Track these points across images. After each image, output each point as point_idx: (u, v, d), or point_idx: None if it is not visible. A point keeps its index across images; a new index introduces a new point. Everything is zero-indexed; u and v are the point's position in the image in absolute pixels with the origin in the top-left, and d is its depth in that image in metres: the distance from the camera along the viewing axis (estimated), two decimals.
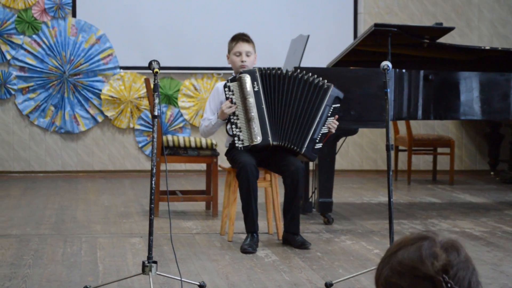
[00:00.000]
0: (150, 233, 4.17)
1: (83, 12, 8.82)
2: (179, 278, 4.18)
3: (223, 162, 6.18)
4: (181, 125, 9.03)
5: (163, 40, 8.91)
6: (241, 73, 5.41)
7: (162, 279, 4.37)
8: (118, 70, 8.89)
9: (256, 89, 5.37)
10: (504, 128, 9.10)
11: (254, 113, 5.34)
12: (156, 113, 4.20)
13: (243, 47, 5.53)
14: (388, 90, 4.52)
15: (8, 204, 6.98)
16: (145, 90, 8.66)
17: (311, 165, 6.68)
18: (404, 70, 6.24)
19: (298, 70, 5.49)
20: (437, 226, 6.17)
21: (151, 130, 8.88)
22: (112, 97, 8.84)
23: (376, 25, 6.15)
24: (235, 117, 5.37)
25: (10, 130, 8.80)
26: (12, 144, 8.81)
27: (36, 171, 8.86)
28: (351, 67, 6.63)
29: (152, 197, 4.17)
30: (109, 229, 5.92)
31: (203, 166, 8.36)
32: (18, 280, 4.43)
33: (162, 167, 6.42)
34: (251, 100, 5.35)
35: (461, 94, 6.38)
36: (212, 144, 6.45)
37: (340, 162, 9.07)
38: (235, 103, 5.37)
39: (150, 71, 4.34)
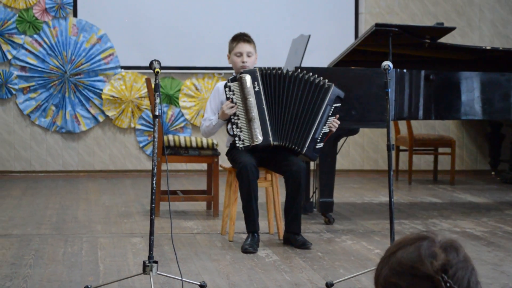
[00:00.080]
0: (151, 233, 4.17)
1: (84, 12, 8.82)
2: (180, 278, 4.18)
3: (224, 162, 6.18)
4: (182, 125, 9.03)
5: (164, 40, 8.91)
6: (241, 73, 5.40)
7: (163, 279, 4.37)
8: (119, 70, 8.89)
9: (256, 89, 5.37)
10: (505, 128, 9.10)
11: (254, 113, 5.34)
12: (157, 113, 4.19)
13: (244, 47, 5.53)
14: (389, 90, 4.52)
15: (9, 204, 6.98)
16: (146, 90, 8.67)
17: (312, 165, 6.68)
18: (405, 70, 6.24)
19: (299, 70, 5.49)
20: (438, 226, 6.17)
21: (152, 130, 8.88)
22: (113, 97, 8.84)
23: (377, 25, 6.15)
24: (235, 117, 5.37)
25: (11, 129, 8.80)
26: (13, 143, 8.81)
27: (37, 171, 8.86)
28: (352, 67, 6.63)
29: (153, 197, 4.17)
30: (110, 229, 5.92)
31: (204, 166, 8.36)
32: (19, 280, 4.43)
33: (163, 167, 6.42)
34: (252, 100, 5.35)
35: (462, 94, 6.38)
36: (213, 144, 6.45)
37: (341, 162, 9.07)
38: (235, 103, 5.37)
39: (151, 71, 4.34)
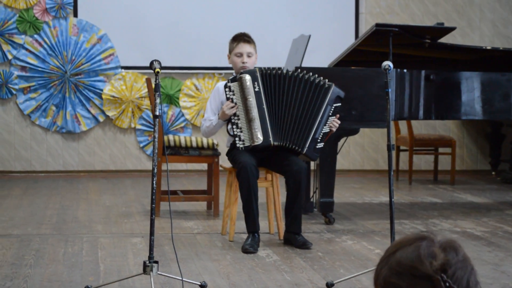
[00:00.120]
0: (151, 233, 4.17)
1: (85, 12, 8.82)
2: (180, 278, 4.18)
3: (224, 162, 6.18)
4: (182, 125, 9.03)
5: (165, 40, 8.91)
6: (241, 73, 5.40)
7: (163, 279, 4.37)
8: (119, 70, 8.89)
9: (256, 89, 5.36)
10: (505, 128, 9.10)
11: (254, 113, 5.33)
12: (157, 113, 4.19)
13: (244, 48, 5.52)
14: (390, 90, 4.52)
15: (9, 204, 6.98)
16: (146, 90, 8.67)
17: (313, 165, 6.68)
18: (405, 70, 6.24)
19: (299, 70, 5.49)
20: (438, 226, 6.17)
21: (152, 130, 8.88)
22: (113, 97, 8.84)
23: (377, 25, 6.15)
24: (236, 118, 5.37)
25: (11, 129, 8.80)
26: (13, 144, 8.81)
27: (37, 171, 8.86)
28: (353, 67, 6.63)
29: (153, 197, 4.17)
30: (110, 229, 5.92)
31: (204, 166, 8.36)
32: (19, 280, 4.43)
33: (164, 167, 6.42)
34: (252, 100, 5.34)
35: (462, 94, 6.38)
36: (213, 144, 6.45)
37: (342, 162, 9.07)
38: (235, 103, 5.36)
39: (152, 71, 4.34)
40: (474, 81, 6.39)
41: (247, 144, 5.34)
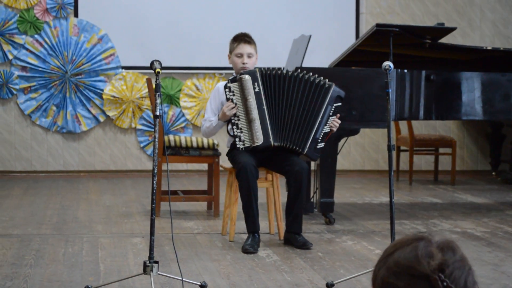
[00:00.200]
0: (152, 233, 4.17)
1: (85, 12, 8.82)
2: (180, 278, 4.18)
3: (224, 162, 6.18)
4: (182, 125, 9.03)
5: (165, 40, 8.91)
6: (241, 73, 5.40)
7: (163, 279, 4.37)
8: (120, 70, 8.89)
9: (256, 89, 5.36)
10: (505, 129, 9.10)
11: (255, 114, 5.33)
12: (158, 113, 4.19)
13: (244, 48, 5.52)
14: (390, 90, 4.52)
15: (9, 203, 6.98)
16: (147, 90, 8.67)
17: (313, 165, 6.68)
18: (405, 70, 6.24)
19: (299, 70, 5.49)
20: (438, 226, 6.17)
21: (152, 130, 8.88)
22: (114, 97, 8.84)
23: (378, 25, 6.15)
24: (236, 118, 5.36)
25: (12, 129, 8.81)
26: (13, 143, 8.81)
27: (38, 171, 8.86)
28: (353, 67, 6.63)
29: (154, 197, 4.17)
30: (111, 229, 5.92)
31: (204, 166, 8.36)
32: (19, 280, 4.43)
33: (164, 167, 6.42)
34: (252, 101, 5.34)
35: (462, 95, 6.38)
36: (213, 144, 6.45)
37: (342, 162, 9.07)
38: (235, 104, 5.36)
39: (152, 71, 4.34)
40: (475, 81, 6.39)
41: (247, 144, 5.34)
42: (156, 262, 4.16)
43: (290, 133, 5.36)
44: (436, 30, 6.55)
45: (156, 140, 4.20)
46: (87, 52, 8.81)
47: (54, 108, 8.80)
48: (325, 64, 7.19)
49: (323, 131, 5.36)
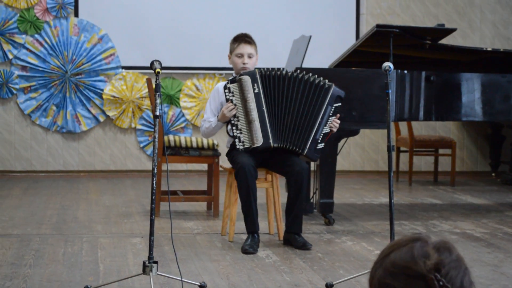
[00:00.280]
0: (151, 233, 4.17)
1: (85, 12, 8.82)
2: (180, 279, 4.18)
3: (224, 162, 6.18)
4: (182, 125, 9.03)
5: (165, 40, 8.91)
6: (241, 74, 5.40)
7: (163, 279, 4.37)
8: (120, 70, 8.89)
9: (256, 90, 5.36)
10: (505, 130, 9.10)
11: (254, 115, 5.33)
12: (157, 113, 4.20)
13: (245, 49, 5.52)
14: (390, 91, 4.52)
15: (9, 203, 6.98)
16: (147, 90, 8.67)
17: (313, 165, 6.68)
18: (405, 71, 6.24)
19: (298, 71, 5.48)
20: (438, 227, 6.17)
21: (152, 130, 8.88)
22: (114, 97, 8.84)
23: (378, 26, 6.15)
24: (235, 119, 5.36)
25: (11, 129, 8.81)
26: (13, 143, 8.81)
27: (38, 170, 8.86)
28: (353, 68, 6.63)
29: (153, 197, 4.17)
30: (110, 229, 5.92)
31: (204, 166, 8.36)
32: (19, 280, 4.43)
33: (164, 167, 6.42)
34: (251, 102, 5.34)
35: (462, 95, 6.38)
36: (213, 144, 6.45)
37: (342, 163, 9.07)
38: (235, 105, 5.36)
39: (152, 71, 4.34)
40: (475, 82, 6.39)
41: (246, 145, 5.34)
42: (156, 262, 4.16)
43: (289, 134, 5.36)
44: (436, 31, 6.55)
45: (156, 140, 4.20)
46: (87, 52, 8.81)
47: (54, 108, 8.80)
48: (325, 65, 7.19)
49: (323, 132, 5.36)
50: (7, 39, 8.69)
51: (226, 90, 5.37)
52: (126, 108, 8.88)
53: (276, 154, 5.43)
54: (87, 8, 8.82)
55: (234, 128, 5.36)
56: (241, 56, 5.51)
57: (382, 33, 6.16)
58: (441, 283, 1.45)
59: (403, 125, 8.84)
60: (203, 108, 8.78)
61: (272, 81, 5.39)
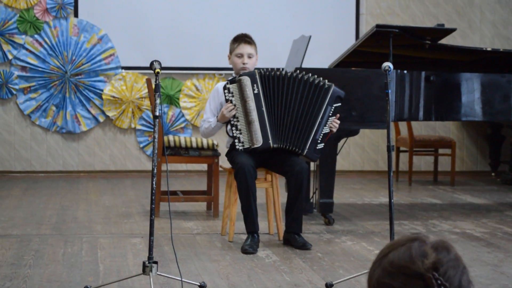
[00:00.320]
0: (151, 233, 4.17)
1: (85, 12, 8.82)
2: (180, 279, 4.18)
3: (224, 162, 6.18)
4: (182, 125, 9.03)
5: (165, 40, 8.91)
6: (240, 75, 5.39)
7: (163, 280, 4.37)
8: (119, 70, 8.89)
9: (255, 91, 5.36)
10: (505, 130, 9.10)
11: (254, 115, 5.33)
12: (157, 113, 4.20)
13: (245, 49, 5.52)
14: (390, 91, 4.52)
15: (9, 204, 6.98)
16: (146, 90, 8.67)
17: (312, 165, 6.68)
18: (405, 71, 6.24)
19: (298, 71, 5.48)
20: (438, 227, 6.17)
21: (152, 130, 8.88)
22: (113, 97, 8.84)
23: (378, 26, 6.15)
24: (235, 119, 5.36)
25: (11, 130, 8.81)
26: (13, 144, 8.81)
27: (37, 171, 8.86)
28: (353, 68, 6.63)
29: (153, 197, 4.18)
30: (110, 229, 5.92)
31: (204, 167, 8.36)
32: (19, 280, 4.43)
33: (163, 167, 6.42)
34: (251, 102, 5.34)
35: (462, 95, 6.38)
36: (213, 144, 6.45)
37: (341, 163, 9.07)
38: (234, 105, 5.36)
39: (152, 71, 4.34)
40: (474, 82, 6.40)
41: (246, 146, 5.34)
42: (156, 262, 4.16)
43: (289, 134, 5.35)
44: (436, 31, 6.55)
45: (156, 140, 4.20)
46: (87, 52, 8.81)
47: (53, 108, 8.80)
48: (325, 65, 7.19)
49: (322, 132, 5.36)
50: (7, 39, 8.69)
51: (226, 91, 5.36)
52: (126, 108, 8.89)
53: (276, 154, 5.43)
54: (87, 8, 8.82)
55: (233, 128, 5.36)
56: (241, 56, 5.51)
57: (381, 33, 6.17)
58: (439, 282, 1.45)
59: (402, 125, 8.84)
60: (203, 108, 8.78)
61: (271, 82, 5.39)
